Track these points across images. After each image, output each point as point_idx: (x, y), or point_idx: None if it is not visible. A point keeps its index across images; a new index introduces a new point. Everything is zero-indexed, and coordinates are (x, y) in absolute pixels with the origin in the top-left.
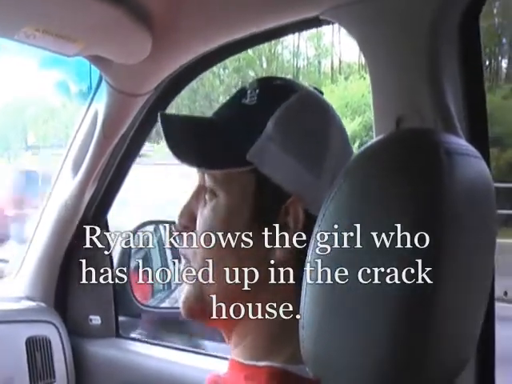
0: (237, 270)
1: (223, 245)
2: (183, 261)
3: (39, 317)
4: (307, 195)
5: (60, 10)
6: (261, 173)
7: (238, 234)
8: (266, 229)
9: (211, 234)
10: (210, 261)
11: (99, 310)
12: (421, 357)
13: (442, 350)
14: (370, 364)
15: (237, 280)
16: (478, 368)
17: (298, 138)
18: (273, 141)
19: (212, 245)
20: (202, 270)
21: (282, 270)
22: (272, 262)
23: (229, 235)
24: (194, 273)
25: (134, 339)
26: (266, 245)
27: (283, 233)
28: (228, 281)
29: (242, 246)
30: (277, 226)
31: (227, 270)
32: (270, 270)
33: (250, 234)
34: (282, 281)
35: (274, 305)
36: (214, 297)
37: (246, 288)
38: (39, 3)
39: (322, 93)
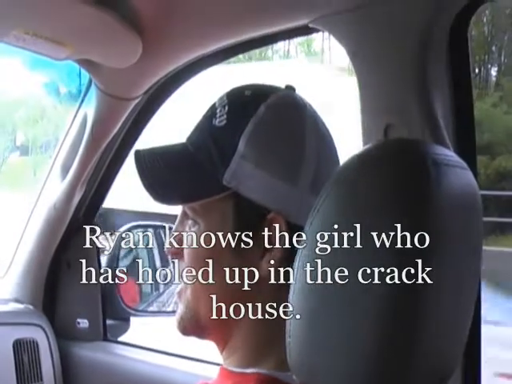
0: (226, 288)
1: (210, 267)
2: (180, 283)
3: (27, 319)
4: (288, 207)
5: (50, 13)
6: (239, 194)
7: (223, 255)
8: (250, 246)
9: (198, 258)
10: (199, 284)
11: (87, 313)
12: (408, 363)
13: (430, 354)
14: (356, 370)
15: (226, 298)
16: (464, 373)
17: (272, 150)
18: (246, 159)
19: (199, 268)
20: (194, 290)
21: (269, 283)
22: (260, 276)
23: (213, 258)
24: (187, 293)
25: (121, 343)
26: (252, 261)
27: (268, 247)
28: (217, 300)
29: (229, 266)
30: (261, 241)
31: (216, 289)
32: (258, 285)
33: (235, 253)
34: (271, 294)
35: (266, 315)
36: (206, 315)
37: (235, 304)
38: (29, 7)
39: (293, 89)
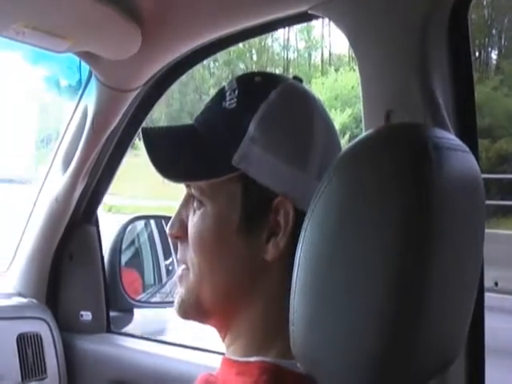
0: (231, 271)
1: (216, 250)
2: (180, 266)
3: (30, 313)
4: (295, 192)
5: (49, 6)
6: (247, 176)
7: (229, 238)
8: (256, 230)
9: (203, 241)
10: (205, 265)
11: (90, 305)
12: (411, 350)
13: (432, 341)
14: (359, 359)
15: (231, 281)
16: (468, 359)
17: (282, 135)
18: (256, 143)
19: (205, 251)
20: (197, 274)
21: (275, 267)
22: (266, 260)
23: (220, 240)
24: (189, 276)
25: (125, 334)
26: (259, 245)
27: (275, 231)
28: (223, 283)
29: (234, 249)
30: (267, 225)
31: (221, 272)
32: (264, 269)
33: (242, 236)
34: (276, 279)
35: (269, 302)
36: (209, 299)
37: (240, 288)
38: (29, 0)
39: (301, 81)
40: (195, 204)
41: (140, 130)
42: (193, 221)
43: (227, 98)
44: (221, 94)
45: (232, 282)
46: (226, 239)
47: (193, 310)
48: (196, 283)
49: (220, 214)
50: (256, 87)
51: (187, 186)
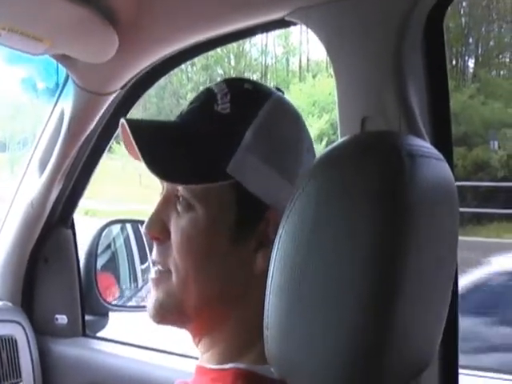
0: (219, 279)
1: (205, 257)
2: (154, 268)
3: (5, 316)
4: (286, 204)
5: (26, 8)
6: (240, 184)
7: (219, 245)
8: (247, 239)
9: (192, 246)
10: (192, 271)
11: (66, 309)
12: (385, 354)
13: (405, 347)
14: (333, 362)
15: (218, 288)
16: (441, 366)
17: (276, 147)
18: (251, 151)
19: (193, 256)
20: (182, 278)
21: (263, 278)
22: (254, 270)
23: (209, 248)
24: (171, 280)
25: (100, 338)
26: (248, 255)
27: (264, 242)
28: (209, 289)
29: (224, 257)
30: (257, 236)
31: (209, 279)
32: (251, 279)
33: (232, 244)
34: (263, 289)
35: (252, 312)
36: (193, 304)
37: (226, 296)
38: (5, 2)
39: (282, 92)
40: (181, 206)
41: (123, 121)
42: (179, 224)
43: (219, 102)
44: (210, 95)
45: (219, 289)
46: (217, 246)
47: (172, 314)
48: (180, 288)
49: (212, 220)
50: (249, 94)
51: (170, 186)
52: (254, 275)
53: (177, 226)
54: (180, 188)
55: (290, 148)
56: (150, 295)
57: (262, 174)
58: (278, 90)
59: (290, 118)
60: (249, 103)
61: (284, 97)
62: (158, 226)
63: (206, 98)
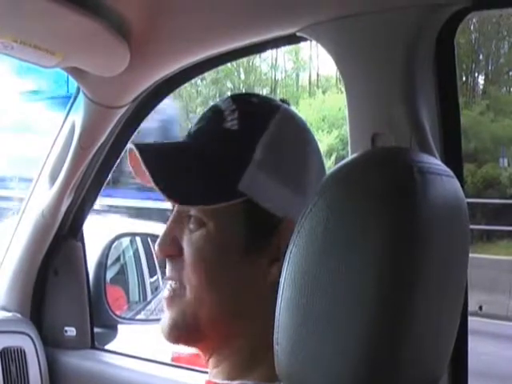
0: (233, 294)
1: (219, 272)
2: (171, 285)
3: (14, 327)
4: (298, 216)
5: (39, 21)
6: (251, 201)
7: (233, 260)
8: (260, 253)
9: (206, 262)
10: (207, 286)
11: (75, 321)
12: (394, 369)
13: (415, 362)
14: (344, 377)
15: (233, 304)
16: (451, 382)
17: (285, 160)
18: (262, 168)
19: (207, 272)
20: (196, 294)
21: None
22: (268, 284)
23: (222, 262)
24: (185, 296)
25: (109, 351)
26: (262, 268)
27: (279, 256)
28: (223, 305)
29: (237, 272)
30: (271, 249)
31: (223, 294)
32: (265, 293)
33: (246, 259)
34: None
35: (264, 327)
36: (207, 320)
37: (240, 311)
38: (17, 15)
39: (288, 104)
40: (192, 224)
41: (131, 147)
42: (192, 240)
43: (228, 119)
44: (217, 112)
45: (232, 305)
46: (230, 261)
47: (186, 332)
48: (194, 303)
49: (224, 236)
50: (256, 109)
51: (183, 207)
52: (266, 288)
53: (190, 241)
54: (192, 208)
55: (299, 160)
56: (164, 315)
57: (274, 188)
58: (284, 101)
59: (298, 130)
60: (257, 118)
61: (290, 109)
62: (171, 243)
63: (214, 116)
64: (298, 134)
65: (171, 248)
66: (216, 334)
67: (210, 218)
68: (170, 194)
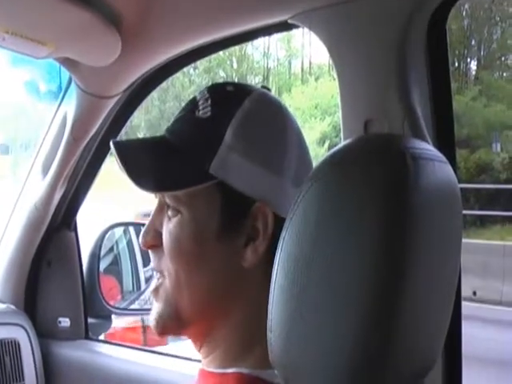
0: (210, 279)
1: (194, 257)
2: (156, 276)
3: (8, 319)
4: (273, 198)
5: (30, 12)
6: (224, 183)
7: (207, 245)
8: (235, 236)
9: (181, 248)
10: (183, 273)
11: (68, 312)
12: (388, 356)
13: (409, 349)
14: (338, 364)
15: (211, 289)
16: (445, 368)
17: (258, 141)
18: (233, 150)
19: (183, 258)
20: (174, 282)
21: (255, 275)
22: (244, 267)
23: (198, 247)
24: (166, 285)
25: (103, 341)
26: (237, 251)
27: (253, 237)
28: (202, 291)
29: (213, 256)
30: (245, 231)
31: (200, 280)
32: (242, 276)
33: (220, 243)
34: (255, 286)
35: (248, 310)
36: (188, 308)
37: (219, 296)
38: (8, 5)
39: (269, 90)
40: (170, 212)
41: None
42: (168, 228)
43: (200, 107)
44: (192, 103)
45: (211, 289)
46: (205, 246)
47: (171, 322)
48: (174, 292)
49: (198, 221)
50: (229, 95)
51: (161, 196)
52: (244, 270)
53: (167, 230)
54: (167, 197)
55: (274, 141)
56: (152, 309)
57: (246, 170)
58: (264, 87)
59: (271, 113)
60: (228, 103)
61: (267, 92)
62: (152, 234)
63: (189, 107)
64: (273, 116)
65: (152, 239)
66: (200, 320)
67: (184, 204)
68: (141, 182)
